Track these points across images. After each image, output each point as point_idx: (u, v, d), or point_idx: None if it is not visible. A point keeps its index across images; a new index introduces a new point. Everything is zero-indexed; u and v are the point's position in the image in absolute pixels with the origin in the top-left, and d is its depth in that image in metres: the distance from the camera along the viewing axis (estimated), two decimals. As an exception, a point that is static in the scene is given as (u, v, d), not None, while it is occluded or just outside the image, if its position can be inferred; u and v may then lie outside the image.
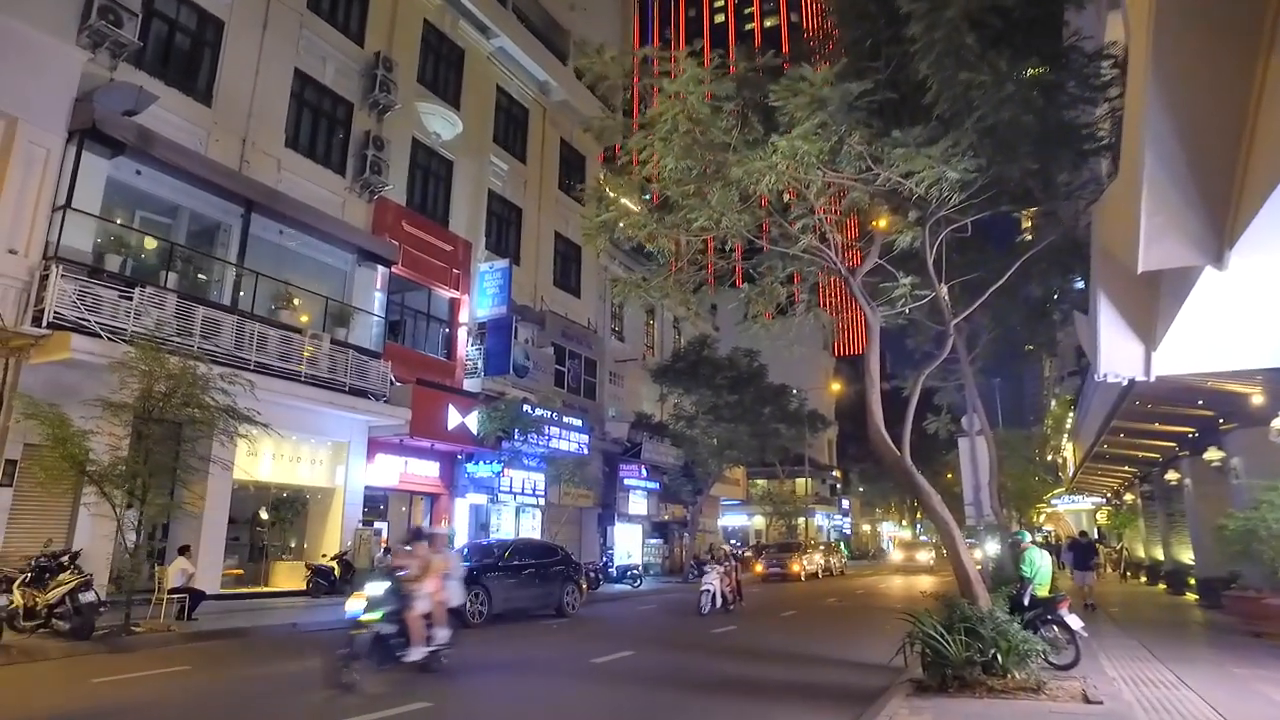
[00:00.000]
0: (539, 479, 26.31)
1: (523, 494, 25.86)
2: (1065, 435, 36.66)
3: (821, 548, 40.00)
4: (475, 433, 22.50)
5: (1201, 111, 5.77)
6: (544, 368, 27.92)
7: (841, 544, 56.12)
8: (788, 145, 8.01)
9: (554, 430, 25.53)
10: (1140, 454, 22.15)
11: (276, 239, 18.54)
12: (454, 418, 21.96)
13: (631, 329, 36.54)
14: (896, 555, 51.96)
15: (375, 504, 21.93)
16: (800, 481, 50.81)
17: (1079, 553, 20.04)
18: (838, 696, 8.48)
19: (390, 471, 21.15)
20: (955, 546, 8.71)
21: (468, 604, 14.07)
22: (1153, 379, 10.28)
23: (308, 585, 17.57)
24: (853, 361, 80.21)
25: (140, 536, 12.72)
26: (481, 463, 23.84)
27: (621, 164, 14.40)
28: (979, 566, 11.78)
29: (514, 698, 8.62)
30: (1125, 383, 10.86)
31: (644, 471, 32.90)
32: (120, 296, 14.40)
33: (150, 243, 16.93)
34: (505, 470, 24.49)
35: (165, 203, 17.09)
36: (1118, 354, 10.37)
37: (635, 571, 27.17)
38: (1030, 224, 10.64)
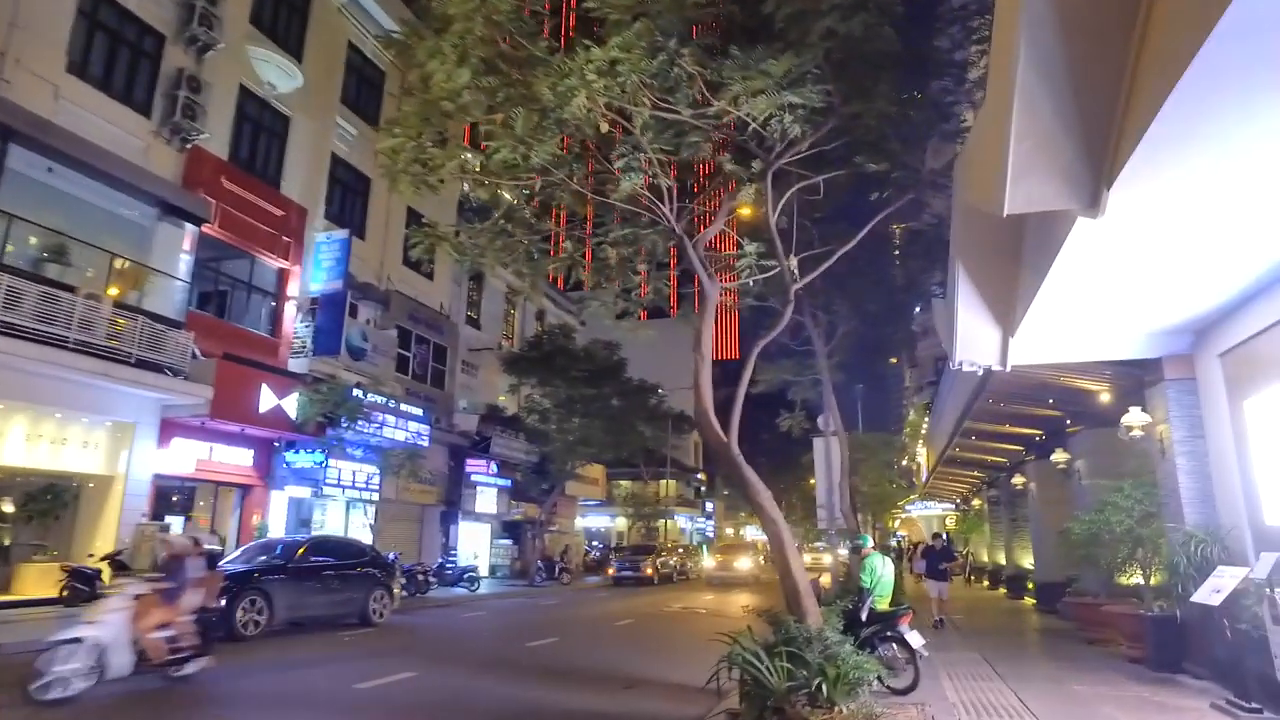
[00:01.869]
0: (374, 472, 24.07)
1: (353, 488, 23.52)
2: (920, 441, 37.04)
3: (679, 550, 39.01)
4: (294, 417, 20.09)
5: (1086, 7, 4.58)
6: (385, 351, 25.64)
7: (704, 547, 55.61)
8: (603, 56, 6.50)
9: (389, 418, 23.31)
10: (990, 458, 22.04)
11: (45, 178, 15.68)
12: (268, 399, 19.51)
13: (490, 317, 34.57)
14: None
15: (173, 496, 19.22)
16: (664, 483, 49.90)
17: (933, 559, 17.09)
18: (641, 731, 7.03)
19: (189, 458, 18.47)
20: (783, 552, 7.42)
21: (239, 614, 11.95)
22: (1009, 369, 9.41)
23: (63, 592, 14.77)
24: (725, 365, 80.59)
25: None
26: (303, 451, 21.42)
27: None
28: (820, 575, 10.68)
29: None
30: (980, 372, 9.97)
31: (494, 467, 30.99)
32: None
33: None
34: (332, 461, 22.14)
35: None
36: (975, 340, 9.45)
37: (473, 574, 25.19)
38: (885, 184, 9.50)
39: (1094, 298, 8.36)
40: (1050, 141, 5.02)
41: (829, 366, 16.17)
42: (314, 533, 21.60)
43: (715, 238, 11.42)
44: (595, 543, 49.05)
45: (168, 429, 17.96)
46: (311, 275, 23.04)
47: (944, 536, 18.96)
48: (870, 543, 9.79)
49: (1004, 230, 8.15)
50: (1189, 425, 9.44)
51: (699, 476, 63.17)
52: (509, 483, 32.06)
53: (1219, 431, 8.99)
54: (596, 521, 51.89)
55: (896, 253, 14.90)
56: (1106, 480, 11.49)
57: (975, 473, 27.19)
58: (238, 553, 14.89)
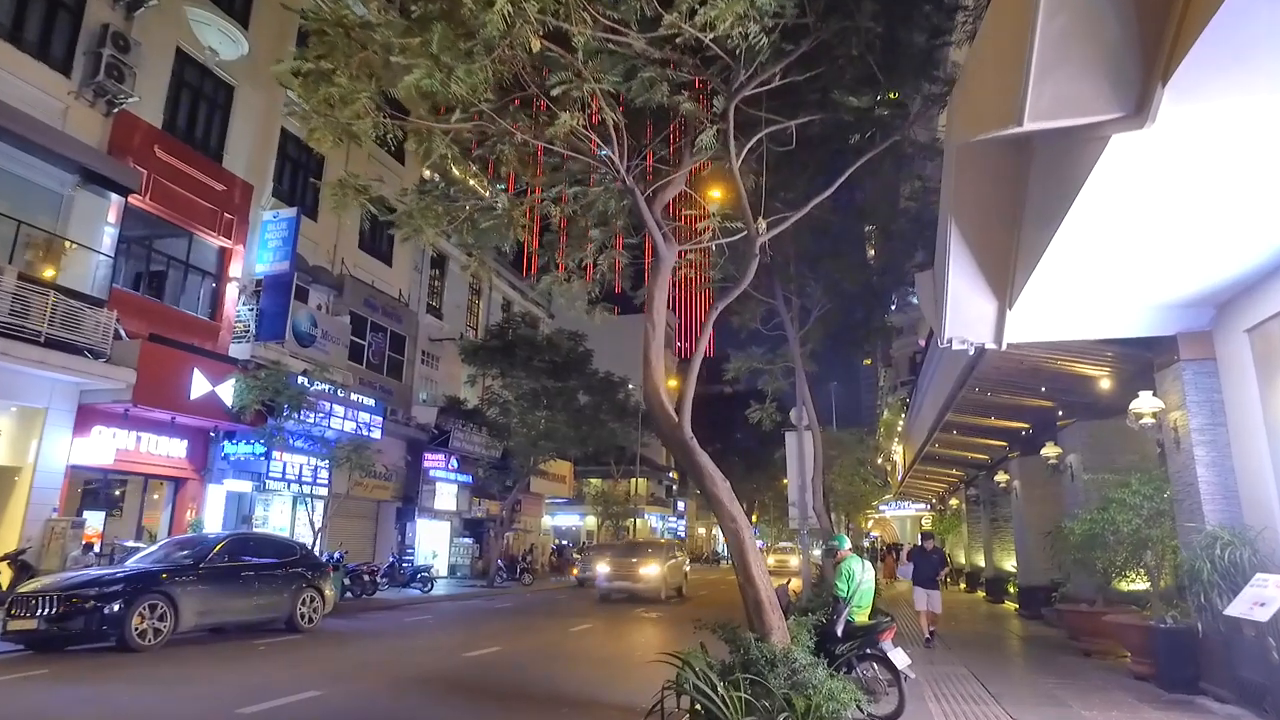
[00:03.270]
0: (323, 465, 22.63)
1: (300, 482, 22.09)
2: (896, 439, 36.07)
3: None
4: (230, 405, 18.62)
5: None
6: (337, 338, 24.16)
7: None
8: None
9: (337, 408, 21.87)
10: (971, 455, 21.02)
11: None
12: (200, 385, 18.03)
13: (453, 306, 33.19)
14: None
15: (97, 490, 17.72)
16: (635, 481, 48.67)
17: (923, 564, 14.01)
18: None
19: (109, 448, 16.93)
20: (744, 555, 6.20)
21: (135, 621, 10.53)
22: (1004, 347, 8.21)
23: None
24: (704, 363, 79.44)
25: None
26: (242, 442, 19.94)
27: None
28: (788, 581, 9.52)
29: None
30: (972, 351, 8.80)
31: (455, 463, 29.59)
32: None
33: None
34: (276, 453, 20.69)
35: None
36: (967, 314, 8.26)
37: (426, 574, 23.79)
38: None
39: (1106, 262, 7.23)
40: (1089, 14, 3.84)
41: (803, 354, 15.02)
42: (256, 530, 20.16)
43: (677, 201, 10.25)
44: (564, 541, 47.74)
45: (87, 416, 16.45)
46: (257, 256, 21.60)
47: (935, 536, 16.28)
48: (847, 544, 8.48)
49: (1005, 181, 6.99)
50: (1209, 411, 8.34)
51: (671, 475, 61.97)
52: (470, 479, 30.69)
53: (1245, 418, 7.90)
54: (566, 520, 50.61)
55: (873, 228, 13.69)
56: (1108, 475, 10.38)
57: (954, 471, 26.20)
58: (150, 550, 13.42)
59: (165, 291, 19.50)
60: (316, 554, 16.92)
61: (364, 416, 23.28)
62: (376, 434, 23.82)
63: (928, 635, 13.16)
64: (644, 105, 7.87)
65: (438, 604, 21.00)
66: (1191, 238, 6.65)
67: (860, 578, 7.70)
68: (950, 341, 8.46)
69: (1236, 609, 6.27)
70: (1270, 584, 6.17)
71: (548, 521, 48.38)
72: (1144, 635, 9.02)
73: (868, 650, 7.12)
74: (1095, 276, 7.64)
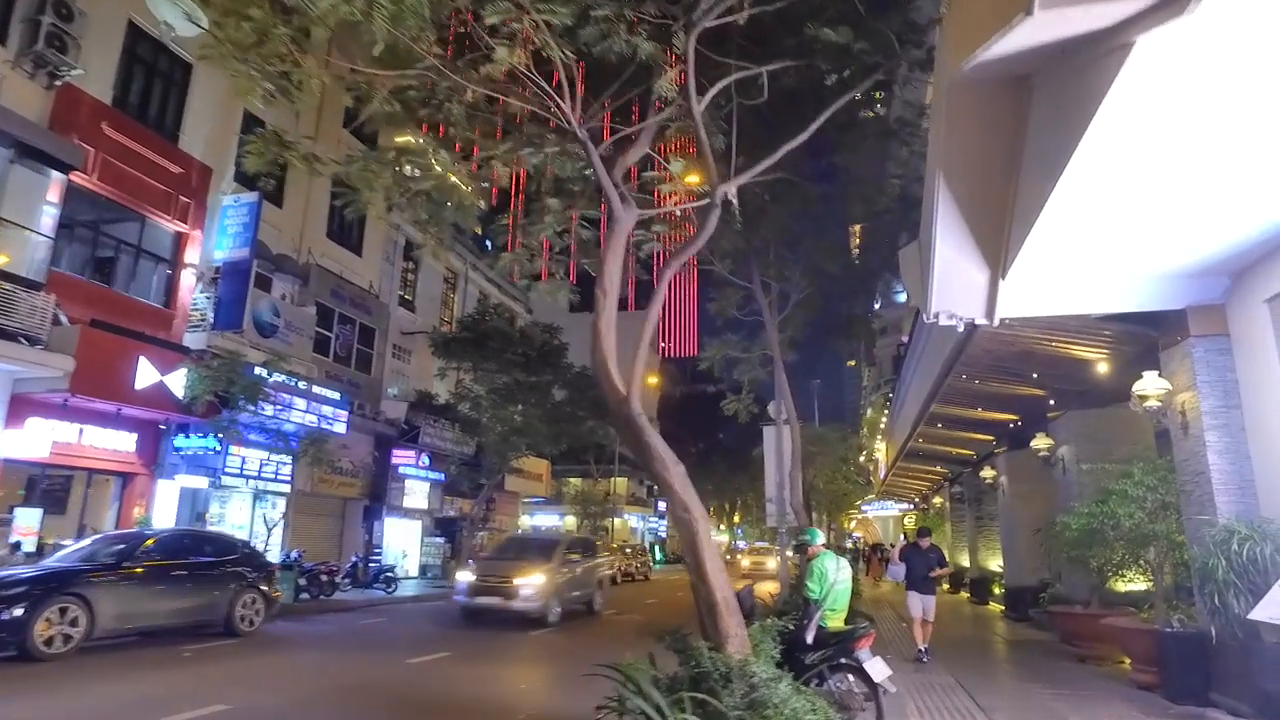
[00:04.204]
0: (285, 460, 21.65)
1: (260, 478, 21.11)
2: (879, 437, 35.35)
3: (626, 550, 36.93)
4: (180, 396, 17.61)
5: None
6: (302, 329, 23.17)
7: (656, 547, 53.67)
8: None
9: (298, 401, 20.89)
10: (955, 450, 20.29)
11: None
12: (146, 374, 17.00)
13: (427, 299, 32.23)
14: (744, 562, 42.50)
15: (36, 484, 16.67)
16: (615, 480, 47.80)
17: (919, 564, 11.77)
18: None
19: (45, 440, 15.87)
20: (696, 549, 5.34)
21: (40, 627, 9.53)
22: (996, 322, 7.42)
23: None
24: (679, 363, 78.70)
25: None
26: (196, 435, 18.91)
27: None
28: (753, 583, 8.72)
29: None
30: (961, 328, 7.99)
31: (426, 459, 28.60)
32: None
33: None
34: (234, 448, 19.71)
35: None
36: (956, 285, 7.47)
37: (390, 574, 22.83)
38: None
39: (1111, 222, 6.46)
40: None
41: (781, 342, 14.20)
42: (210, 528, 19.18)
43: (645, 169, 9.42)
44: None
45: (20, 406, 15.44)
46: (216, 242, 20.60)
47: (932, 532, 13.65)
48: (819, 539, 7.60)
49: (1002, 127, 6.20)
50: (1221, 393, 7.56)
51: (653, 475, 61.06)
52: (442, 476, 29.69)
53: (1263, 399, 7.14)
54: (544, 520, 49.65)
55: (857, 206, 12.84)
56: (1109, 465, 9.58)
57: (938, 467, 25.48)
58: (77, 548, 12.37)
59: (115, 277, 18.44)
60: (261, 552, 15.90)
61: (327, 410, 22.32)
62: (341, 428, 22.88)
63: (921, 649, 11.23)
64: (603, 55, 7.04)
65: (399, 606, 20.03)
66: (1212, 188, 5.88)
67: (834, 577, 6.84)
68: (937, 316, 7.66)
69: (1263, 612, 5.47)
70: (1304, 583, 5.37)
71: (526, 521, 47.42)
72: (1148, 640, 8.21)
73: (842, 660, 6.25)
74: (1097, 241, 6.86)
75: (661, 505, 64.11)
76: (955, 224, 6.98)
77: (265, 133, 7.77)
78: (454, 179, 8.34)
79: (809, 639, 6.27)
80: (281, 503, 22.00)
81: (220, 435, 18.42)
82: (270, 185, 22.88)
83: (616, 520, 46.09)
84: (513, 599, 15.95)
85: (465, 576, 17.25)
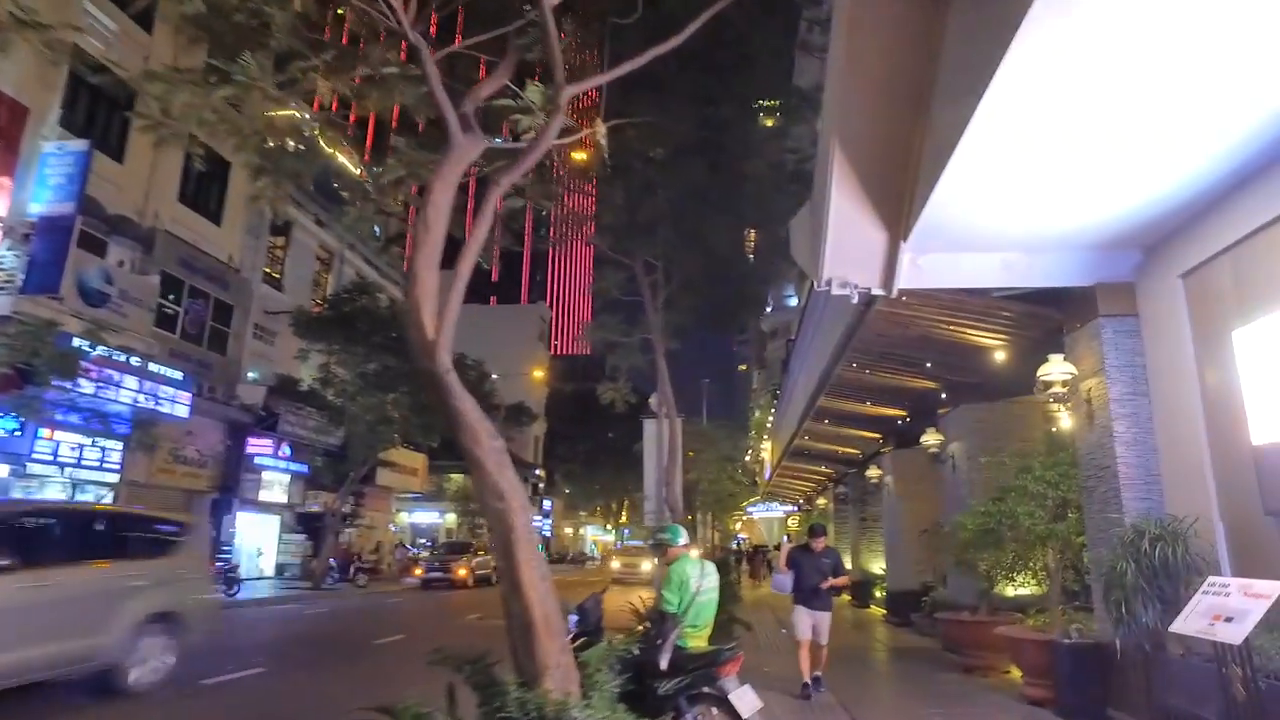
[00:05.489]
0: (114, 447, 19.34)
1: (81, 466, 18.74)
2: (764, 436, 34.97)
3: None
4: (-30, 369, 15.22)
5: None
6: (141, 300, 20.77)
7: (539, 546, 52.18)
8: None
9: (128, 379, 18.59)
10: (841, 449, 19.75)
11: None
12: (-73, 340, 14.60)
13: (297, 279, 29.92)
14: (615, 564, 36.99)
15: None
16: (499, 477, 46.01)
17: (810, 571, 9.02)
18: None
19: None
20: (509, 548, 4.03)
21: None
22: (894, 293, 6.51)
23: None
24: (571, 360, 77.30)
25: None
26: (-7, 415, 16.49)
27: None
28: (604, 590, 7.60)
29: None
30: (855, 298, 7.06)
31: (287, 449, 26.41)
32: None
33: None
34: (46, 431, 17.35)
35: None
36: (851, 248, 6.52)
37: (233, 574, 20.74)
38: None
39: (1022, 179, 5.63)
40: None
41: (663, 328, 13.16)
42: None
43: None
44: (423, 540, 44.62)
45: None
46: (32, 194, 18.10)
47: (826, 532, 9.85)
48: (682, 538, 6.05)
49: (908, 54, 5.28)
50: (1130, 379, 6.86)
51: (538, 473, 59.56)
52: (305, 468, 27.49)
53: (1173, 384, 6.45)
54: (425, 518, 47.45)
55: (748, 175, 11.89)
56: (1008, 460, 8.87)
57: (824, 468, 25.05)
58: None
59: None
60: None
61: (167, 390, 20.03)
62: (183, 411, 20.65)
63: (808, 680, 8.64)
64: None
65: (237, 610, 17.97)
66: (1132, 144, 5.08)
67: (696, 585, 5.59)
68: (829, 284, 6.69)
69: (1190, 625, 4.66)
70: (1234, 590, 4.57)
71: (404, 518, 45.17)
72: (1043, 652, 7.44)
73: (704, 688, 5.04)
74: (1006, 203, 6.04)
75: (547, 505, 62.65)
76: (852, 179, 6.03)
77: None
78: (268, 92, 6.84)
79: (663, 664, 5.01)
80: (108, 495, 19.61)
81: (19, 415, 16.02)
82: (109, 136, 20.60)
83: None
84: None
85: None
